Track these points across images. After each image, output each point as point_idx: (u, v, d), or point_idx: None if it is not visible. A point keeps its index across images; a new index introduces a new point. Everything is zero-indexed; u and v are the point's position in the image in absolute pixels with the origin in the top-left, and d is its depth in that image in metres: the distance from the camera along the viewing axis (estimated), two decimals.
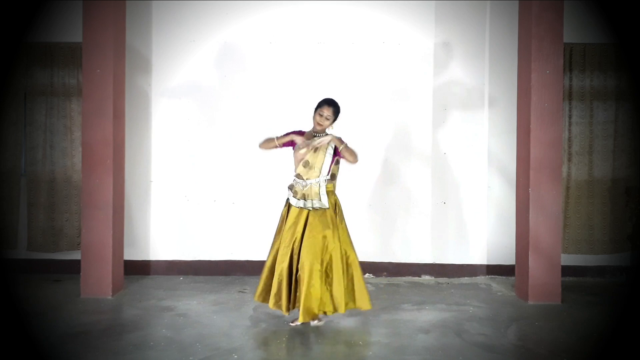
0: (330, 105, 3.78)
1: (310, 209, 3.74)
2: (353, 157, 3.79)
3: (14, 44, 5.12)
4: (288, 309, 3.71)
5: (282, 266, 3.70)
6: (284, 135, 3.83)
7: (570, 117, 5.23)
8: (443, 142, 5.32)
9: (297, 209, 3.77)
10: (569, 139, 5.22)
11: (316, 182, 3.75)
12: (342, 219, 3.87)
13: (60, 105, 5.24)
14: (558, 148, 4.44)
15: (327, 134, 3.77)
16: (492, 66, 5.31)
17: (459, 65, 5.31)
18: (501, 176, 5.30)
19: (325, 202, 3.73)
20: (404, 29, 5.32)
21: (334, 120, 3.81)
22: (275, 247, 3.81)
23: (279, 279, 3.70)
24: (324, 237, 3.70)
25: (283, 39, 5.32)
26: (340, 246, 3.75)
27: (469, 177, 5.33)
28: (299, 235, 3.71)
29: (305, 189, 3.75)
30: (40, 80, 5.23)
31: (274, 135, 3.85)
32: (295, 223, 3.74)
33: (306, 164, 3.76)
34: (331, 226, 3.73)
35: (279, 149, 3.89)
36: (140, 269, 5.25)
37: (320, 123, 3.77)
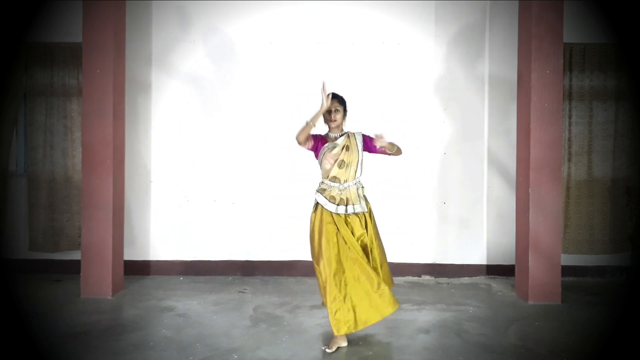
0: (333, 97, 3.51)
1: (352, 214, 3.50)
2: (399, 151, 3.64)
3: (14, 44, 5.13)
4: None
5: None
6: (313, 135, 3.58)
7: (570, 117, 5.23)
8: (443, 142, 5.32)
9: (334, 215, 3.49)
10: (569, 139, 5.22)
11: (354, 184, 3.57)
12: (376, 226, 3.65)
13: (60, 105, 5.24)
14: (558, 148, 4.44)
15: (344, 132, 3.62)
16: (492, 66, 5.31)
17: (459, 65, 5.32)
18: (501, 176, 5.30)
19: (364, 205, 3.55)
20: (404, 29, 5.32)
21: (345, 111, 3.61)
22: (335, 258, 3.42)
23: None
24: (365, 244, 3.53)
25: (283, 39, 5.32)
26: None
27: (469, 177, 5.33)
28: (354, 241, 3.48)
29: (343, 192, 3.53)
30: (40, 80, 5.23)
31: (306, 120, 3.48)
32: (344, 229, 3.46)
33: (342, 164, 3.53)
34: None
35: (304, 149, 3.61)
36: (140, 269, 5.25)
37: (333, 119, 3.55)
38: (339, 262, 3.40)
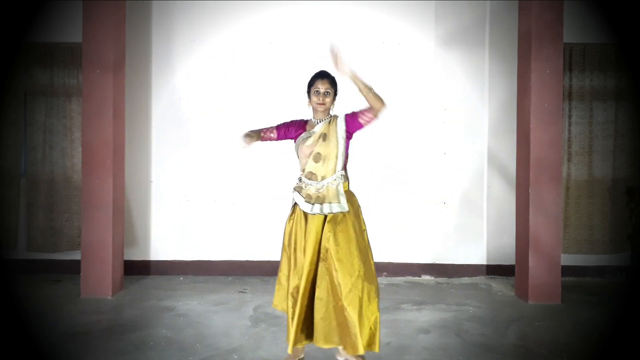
0: (324, 77, 3.10)
1: (329, 213, 2.98)
2: (379, 101, 2.91)
3: (14, 44, 5.12)
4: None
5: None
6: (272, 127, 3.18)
7: (570, 117, 5.23)
8: (443, 142, 5.32)
9: (311, 216, 3.01)
10: (569, 139, 5.22)
11: (333, 179, 3.03)
12: (363, 225, 3.13)
13: (60, 105, 5.24)
14: (558, 148, 4.44)
15: (332, 116, 3.12)
16: (492, 66, 5.31)
17: (459, 65, 5.32)
18: (501, 176, 5.30)
19: (344, 203, 2.99)
20: (404, 29, 5.32)
21: (335, 94, 3.12)
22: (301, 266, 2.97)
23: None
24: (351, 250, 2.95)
25: (283, 39, 5.32)
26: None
27: (469, 177, 5.33)
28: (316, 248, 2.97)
29: (320, 190, 3.02)
30: (40, 80, 5.23)
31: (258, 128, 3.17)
32: (317, 233, 2.98)
33: (317, 158, 3.03)
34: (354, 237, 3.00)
35: (274, 141, 3.24)
36: (140, 269, 5.25)
37: (322, 102, 3.06)
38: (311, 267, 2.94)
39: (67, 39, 5.20)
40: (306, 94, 3.19)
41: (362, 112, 3.02)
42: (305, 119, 3.22)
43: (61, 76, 5.24)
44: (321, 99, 3.07)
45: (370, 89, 2.92)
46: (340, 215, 2.99)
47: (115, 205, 4.56)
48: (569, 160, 5.22)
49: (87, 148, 4.52)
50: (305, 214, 3.01)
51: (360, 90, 2.91)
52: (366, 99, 2.94)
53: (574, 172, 5.23)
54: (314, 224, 2.97)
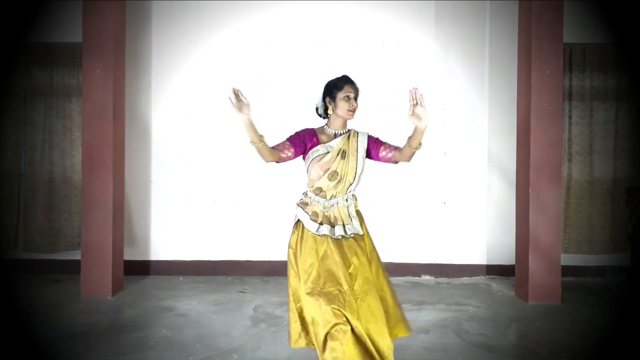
0: (353, 82, 2.78)
1: (340, 237, 2.64)
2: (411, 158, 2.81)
3: (14, 44, 5.13)
4: None
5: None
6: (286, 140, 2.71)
7: (570, 117, 5.23)
8: (443, 142, 5.32)
9: (314, 236, 2.64)
10: (569, 139, 5.22)
11: (344, 199, 2.74)
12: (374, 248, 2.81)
13: (60, 105, 5.24)
14: (558, 148, 4.44)
15: (350, 130, 2.83)
16: (492, 66, 5.31)
17: (459, 65, 5.32)
18: (501, 176, 5.30)
19: (357, 226, 2.73)
20: (404, 29, 5.32)
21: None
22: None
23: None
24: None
25: (283, 39, 5.32)
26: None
27: (469, 177, 5.33)
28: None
29: (330, 210, 2.70)
30: (40, 80, 5.23)
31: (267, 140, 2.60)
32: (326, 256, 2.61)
33: (333, 176, 2.70)
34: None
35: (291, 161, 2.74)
36: (140, 269, 5.25)
37: (352, 109, 2.72)
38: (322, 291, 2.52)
39: (67, 39, 5.20)
40: (327, 99, 2.77)
41: (387, 146, 2.81)
42: (313, 127, 2.82)
43: (61, 76, 5.24)
44: (352, 105, 2.73)
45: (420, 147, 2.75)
46: (358, 239, 2.70)
47: (115, 205, 4.56)
48: (569, 160, 5.22)
49: (87, 148, 4.52)
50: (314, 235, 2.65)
51: (413, 142, 2.74)
52: (406, 152, 2.77)
53: (574, 172, 5.23)
54: (323, 248, 2.61)
